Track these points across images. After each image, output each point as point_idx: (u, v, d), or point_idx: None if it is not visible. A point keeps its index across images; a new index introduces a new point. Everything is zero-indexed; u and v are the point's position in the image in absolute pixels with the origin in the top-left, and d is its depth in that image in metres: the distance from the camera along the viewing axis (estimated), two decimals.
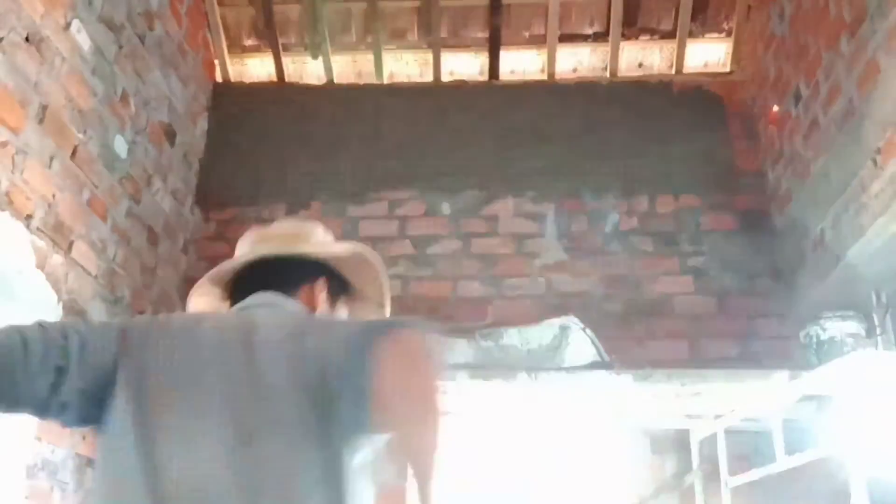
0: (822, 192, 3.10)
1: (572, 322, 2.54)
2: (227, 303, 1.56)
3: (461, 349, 2.57)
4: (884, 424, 2.01)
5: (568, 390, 2.62)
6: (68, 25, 2.77)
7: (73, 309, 2.79)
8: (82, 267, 2.86)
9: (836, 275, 2.99)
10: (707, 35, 4.17)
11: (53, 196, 2.67)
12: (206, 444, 1.16)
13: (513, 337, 2.58)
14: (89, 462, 2.90)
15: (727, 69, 4.17)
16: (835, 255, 2.96)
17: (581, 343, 2.54)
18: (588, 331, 2.55)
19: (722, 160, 3.90)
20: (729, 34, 4.13)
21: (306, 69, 4.36)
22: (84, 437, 2.85)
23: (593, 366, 2.59)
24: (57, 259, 2.69)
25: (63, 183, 2.74)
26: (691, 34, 4.12)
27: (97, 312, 2.97)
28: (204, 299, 1.60)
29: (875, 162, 2.63)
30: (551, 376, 2.52)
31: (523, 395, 2.70)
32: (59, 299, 2.70)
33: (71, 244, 2.79)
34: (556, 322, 2.58)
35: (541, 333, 2.56)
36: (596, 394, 2.68)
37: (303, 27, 4.23)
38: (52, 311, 2.66)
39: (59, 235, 2.70)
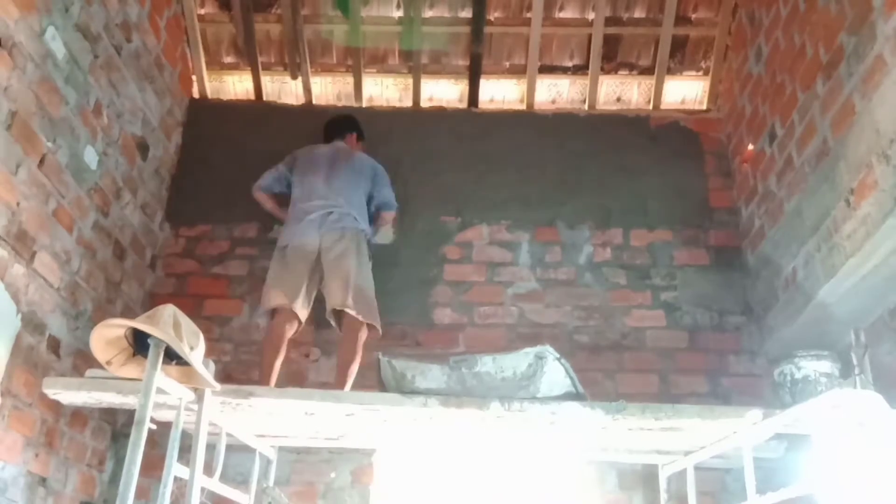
0: (794, 231, 3.12)
1: (548, 351, 2.50)
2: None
3: (434, 375, 2.52)
4: (860, 464, 2.00)
5: (540, 420, 2.58)
6: (43, 32, 2.71)
7: (32, 321, 2.70)
8: (44, 279, 2.77)
9: (807, 314, 3.00)
10: (685, 72, 4.23)
11: (18, 204, 2.59)
12: None
13: (487, 364, 2.53)
14: (41, 481, 2.80)
15: (704, 106, 4.23)
16: (806, 294, 2.97)
17: (556, 373, 2.51)
18: (563, 361, 2.52)
19: (696, 196, 3.93)
20: (706, 72, 4.19)
21: (285, 88, 4.33)
22: (37, 455, 2.75)
23: (567, 397, 2.55)
24: (18, 269, 2.60)
25: (29, 191, 2.66)
26: (669, 71, 4.18)
27: (58, 326, 2.88)
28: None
29: (848, 202, 2.65)
30: (524, 406, 2.48)
31: (496, 424, 2.65)
32: (19, 311, 2.61)
33: (34, 255, 2.70)
34: (531, 351, 2.53)
35: (516, 362, 2.52)
36: (568, 425, 2.64)
37: (283, 47, 4.21)
38: (10, 323, 2.57)
39: (21, 245, 2.62)
